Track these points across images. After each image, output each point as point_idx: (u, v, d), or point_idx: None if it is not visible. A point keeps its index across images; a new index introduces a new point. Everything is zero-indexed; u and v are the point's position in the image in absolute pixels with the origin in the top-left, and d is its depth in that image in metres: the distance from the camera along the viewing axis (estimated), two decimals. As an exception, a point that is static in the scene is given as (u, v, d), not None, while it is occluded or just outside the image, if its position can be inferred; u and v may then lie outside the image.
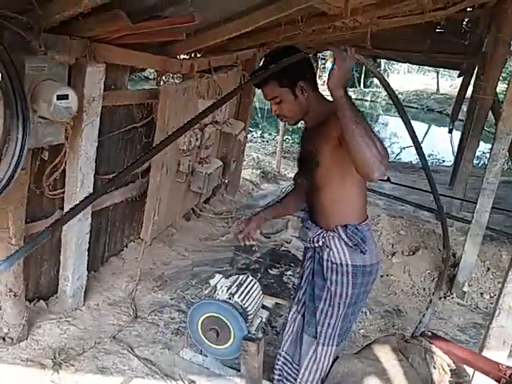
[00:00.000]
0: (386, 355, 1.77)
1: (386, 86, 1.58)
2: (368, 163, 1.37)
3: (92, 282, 2.98)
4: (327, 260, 1.69)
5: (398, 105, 1.64)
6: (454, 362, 1.76)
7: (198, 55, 3.42)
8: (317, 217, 1.74)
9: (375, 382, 1.64)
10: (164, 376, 2.32)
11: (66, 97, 1.97)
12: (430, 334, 1.85)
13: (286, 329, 1.83)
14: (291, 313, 1.85)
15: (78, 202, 1.15)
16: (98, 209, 2.80)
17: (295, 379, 1.79)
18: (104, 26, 2.14)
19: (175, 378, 2.30)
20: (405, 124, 1.64)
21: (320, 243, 1.70)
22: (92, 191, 2.57)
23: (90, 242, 2.71)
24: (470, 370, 2.41)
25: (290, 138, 9.22)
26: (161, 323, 2.76)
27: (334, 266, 1.67)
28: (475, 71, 5.95)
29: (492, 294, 3.62)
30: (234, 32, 2.91)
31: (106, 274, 3.15)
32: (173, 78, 3.06)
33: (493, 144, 3.36)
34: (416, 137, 1.71)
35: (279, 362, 1.86)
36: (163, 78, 3.01)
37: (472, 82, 6.22)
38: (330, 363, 1.72)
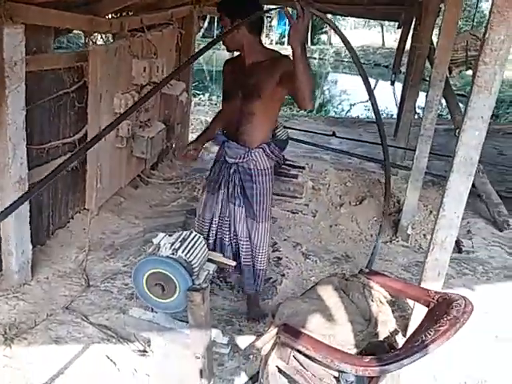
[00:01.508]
0: (327, 294, 1.87)
1: (341, 35, 1.96)
2: (308, 98, 2.01)
3: (39, 255, 2.92)
4: (253, 169, 2.31)
5: (352, 52, 2.01)
6: (389, 294, 1.88)
7: (130, 13, 3.26)
8: (244, 137, 2.28)
9: (318, 318, 1.74)
10: (120, 339, 2.36)
11: (-19, 61, 1.85)
12: (367, 270, 1.96)
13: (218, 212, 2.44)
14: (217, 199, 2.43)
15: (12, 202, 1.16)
16: (36, 180, 2.69)
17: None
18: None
19: (131, 340, 2.34)
20: (358, 69, 2.06)
21: (247, 158, 2.28)
22: (26, 162, 2.47)
23: (31, 216, 2.62)
24: (411, 305, 2.62)
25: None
26: (114, 290, 2.76)
27: (260, 171, 2.33)
28: (413, 22, 6.06)
29: (435, 235, 3.86)
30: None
31: (54, 247, 3.08)
32: (102, 38, 2.91)
33: (427, 91, 3.48)
34: (368, 82, 2.15)
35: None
36: (92, 38, 2.86)
37: (411, 32, 6.36)
38: (270, 234, 2.51)
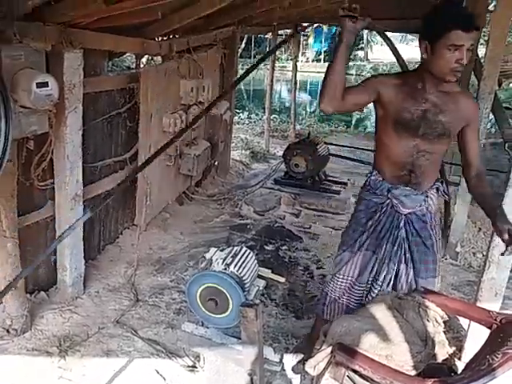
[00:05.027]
0: (381, 313, 1.81)
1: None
2: None
3: (90, 270, 3.01)
4: (427, 213, 1.95)
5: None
6: (446, 314, 1.80)
7: (177, 36, 3.38)
8: (420, 180, 1.90)
9: (372, 338, 1.68)
10: (169, 354, 2.37)
11: (45, 84, 1.96)
12: (422, 289, 1.89)
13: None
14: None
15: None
16: (89, 197, 2.80)
17: None
18: (78, 11, 2.12)
19: (180, 355, 2.35)
20: None
21: (427, 202, 1.93)
22: (81, 180, 2.57)
23: (84, 231, 2.72)
24: (465, 326, 2.50)
25: (277, 117, 9.19)
26: (162, 305, 2.80)
27: (434, 214, 1.98)
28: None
29: (484, 253, 3.68)
30: (210, 8, 2.87)
31: (104, 262, 3.17)
32: (152, 60, 3.03)
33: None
34: None
35: None
36: (143, 60, 2.98)
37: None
38: None
